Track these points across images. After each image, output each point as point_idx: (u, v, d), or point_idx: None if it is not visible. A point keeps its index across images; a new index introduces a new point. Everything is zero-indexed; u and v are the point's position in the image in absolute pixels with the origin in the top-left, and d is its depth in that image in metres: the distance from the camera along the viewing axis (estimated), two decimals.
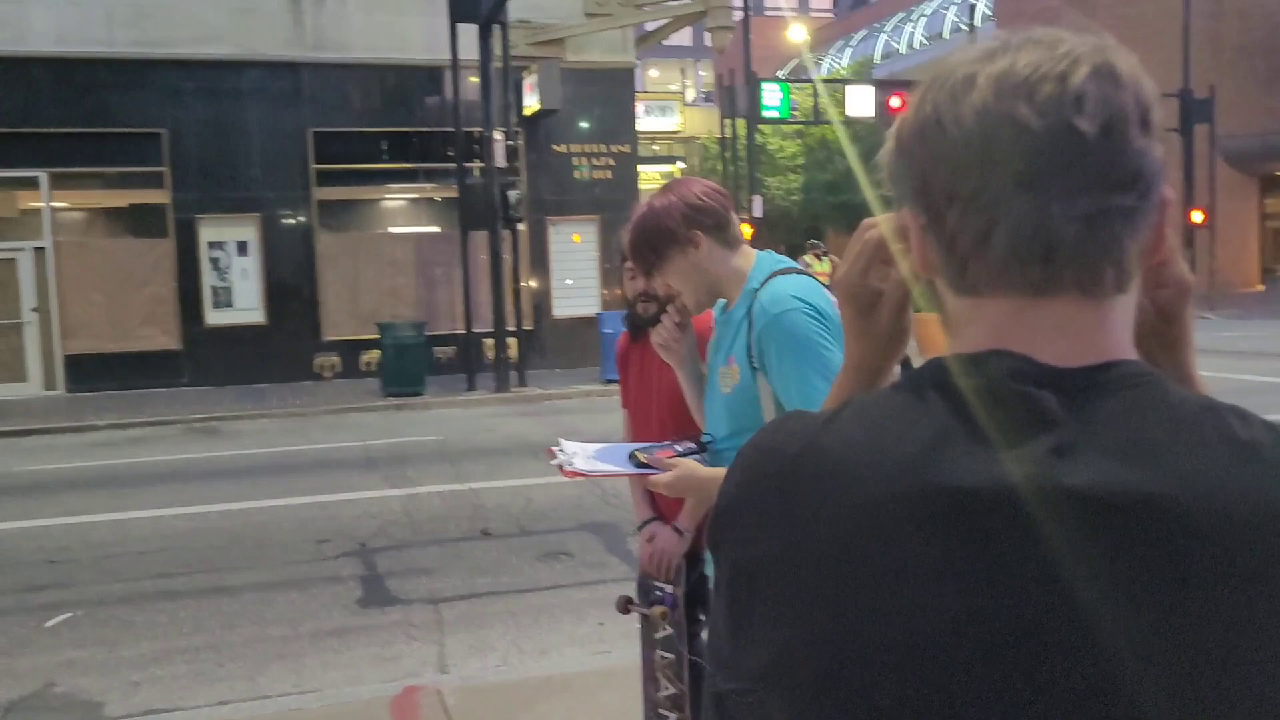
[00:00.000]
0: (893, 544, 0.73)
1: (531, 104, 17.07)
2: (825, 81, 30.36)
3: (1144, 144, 0.76)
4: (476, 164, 15.96)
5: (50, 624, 5.63)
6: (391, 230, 18.33)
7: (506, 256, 15.16)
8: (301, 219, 17.04)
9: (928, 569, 0.72)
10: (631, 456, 2.38)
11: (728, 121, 24.75)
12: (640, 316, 2.93)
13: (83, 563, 6.82)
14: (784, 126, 33.97)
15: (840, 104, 23.77)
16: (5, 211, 16.31)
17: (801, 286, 2.26)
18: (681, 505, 2.80)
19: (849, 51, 48.35)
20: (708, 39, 17.63)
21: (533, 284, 17.74)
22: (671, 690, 2.89)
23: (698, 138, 39.07)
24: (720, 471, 2.32)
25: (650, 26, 20.08)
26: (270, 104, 16.64)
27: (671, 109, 37.33)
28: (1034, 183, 0.75)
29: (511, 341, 15.33)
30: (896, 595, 0.72)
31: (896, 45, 45.68)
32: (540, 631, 5.29)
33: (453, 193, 16.38)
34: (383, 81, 17.19)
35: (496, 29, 14.78)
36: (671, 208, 2.35)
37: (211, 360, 16.50)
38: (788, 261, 2.42)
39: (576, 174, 18.12)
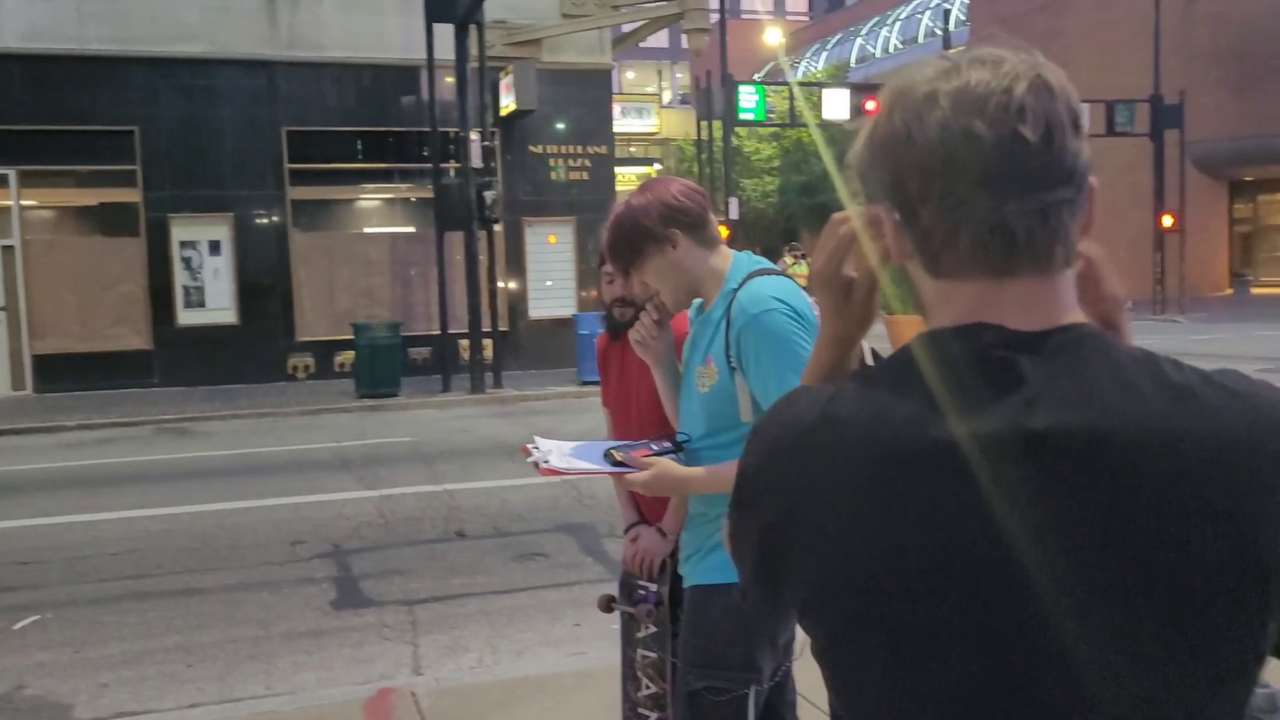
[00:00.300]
0: (892, 492, 0.89)
1: (508, 104, 17.03)
2: (801, 84, 30.48)
3: (1076, 145, 0.92)
4: (452, 164, 15.92)
5: (19, 626, 5.57)
6: (366, 230, 18.24)
7: (482, 257, 15.11)
8: (275, 218, 16.92)
9: (917, 511, 0.88)
10: (607, 455, 2.37)
11: (704, 124, 24.79)
12: (618, 321, 2.92)
13: (52, 564, 6.74)
14: (760, 129, 34.09)
15: (816, 107, 23.91)
16: None
17: (780, 287, 2.27)
18: (665, 508, 2.80)
19: (825, 55, 48.59)
20: (684, 41, 17.65)
21: (510, 285, 17.71)
22: (653, 689, 2.89)
23: (674, 140, 39.08)
24: (695, 471, 2.34)
25: (627, 28, 20.08)
26: (244, 103, 16.52)
27: (648, 111, 37.32)
28: (990, 184, 0.90)
29: (487, 342, 15.29)
30: (896, 533, 0.88)
31: (872, 49, 45.93)
32: (515, 632, 5.27)
33: (428, 193, 16.31)
34: (358, 81, 17.11)
35: (473, 29, 14.74)
36: (649, 206, 2.35)
37: (183, 360, 16.36)
38: (766, 263, 2.43)
39: (553, 175, 18.09)
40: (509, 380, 15.66)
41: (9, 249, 15.88)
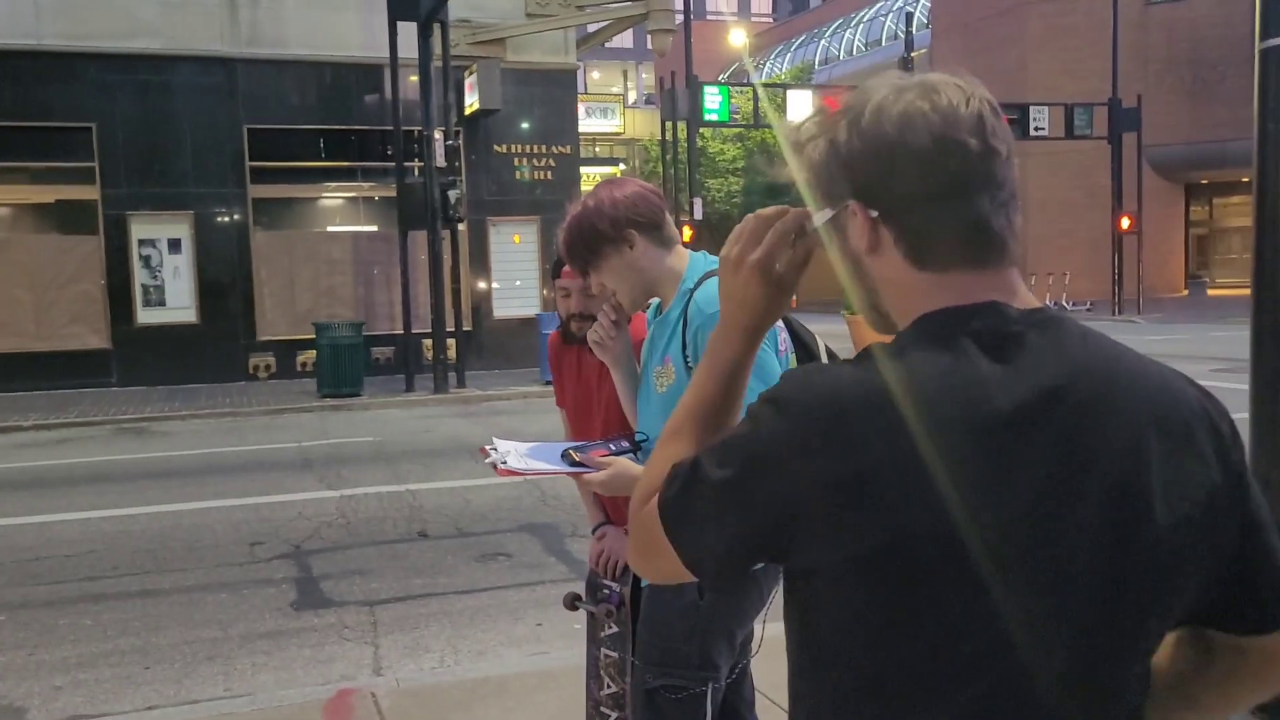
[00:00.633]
0: (959, 453, 0.98)
1: (472, 103, 16.98)
2: (765, 86, 30.61)
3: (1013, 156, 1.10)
4: (416, 163, 15.85)
5: None
6: (329, 229, 18.12)
7: (446, 257, 15.05)
8: (236, 216, 16.77)
9: (990, 468, 0.99)
10: (565, 455, 2.38)
11: (669, 124, 24.82)
12: (574, 335, 2.90)
13: (4, 566, 6.64)
14: (725, 130, 34.19)
15: (781, 108, 24.02)
16: None
17: None
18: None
19: (789, 56, 48.76)
20: (649, 42, 17.67)
21: (480, 285, 17.65)
22: (614, 689, 2.90)
23: (639, 140, 39.12)
24: None
25: (592, 28, 20.08)
26: (204, 100, 16.35)
27: (613, 111, 37.30)
28: (974, 189, 1.06)
29: (450, 342, 15.23)
30: (977, 489, 0.98)
31: (836, 51, 46.17)
32: (477, 632, 5.26)
33: (391, 192, 16.23)
34: (320, 79, 16.99)
35: (436, 27, 14.69)
36: (606, 207, 2.36)
37: (142, 360, 16.17)
38: None
39: (517, 175, 18.06)
40: (472, 380, 15.62)
41: None
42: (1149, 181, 29.92)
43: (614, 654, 2.89)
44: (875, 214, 1.08)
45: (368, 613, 5.60)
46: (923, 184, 1.05)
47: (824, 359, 2.45)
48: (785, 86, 29.15)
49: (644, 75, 55.68)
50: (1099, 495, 1.00)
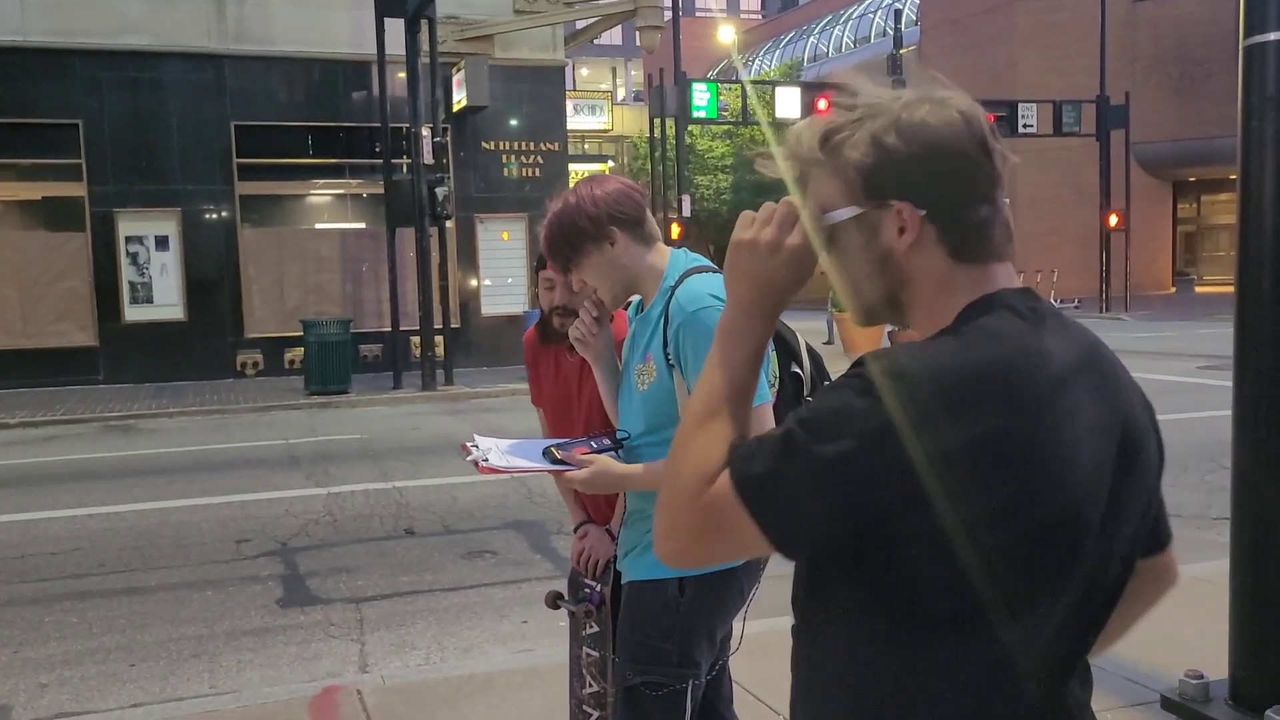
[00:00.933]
0: (1051, 416, 1.11)
1: (460, 100, 16.95)
2: (754, 83, 30.62)
3: None
4: (404, 160, 15.81)
5: None
6: (317, 226, 18.07)
7: (434, 254, 15.03)
8: (224, 213, 16.72)
9: (1082, 425, 1.14)
10: (546, 452, 2.38)
11: (657, 121, 24.82)
12: (555, 331, 2.90)
13: None
14: (713, 127, 34.20)
15: (769, 105, 24.00)
16: None
17: (717, 285, 2.28)
18: (613, 507, 2.81)
19: (778, 53, 48.81)
20: (638, 38, 17.65)
21: (468, 282, 17.63)
22: (595, 688, 2.91)
23: (628, 137, 39.13)
24: (634, 468, 2.35)
25: (580, 25, 20.07)
26: (191, 96, 16.30)
27: (601, 108, 37.32)
28: (999, 189, 1.20)
29: (438, 339, 15.21)
30: (1077, 445, 1.13)
31: (824, 48, 46.20)
32: (463, 630, 5.27)
33: (379, 189, 16.19)
34: (307, 75, 16.95)
35: (424, 24, 14.66)
36: (587, 203, 2.36)
37: (129, 357, 16.12)
38: (702, 260, 2.44)
39: (505, 172, 18.04)
40: (460, 377, 15.61)
41: None
42: (1137, 179, 30.03)
43: (595, 653, 2.90)
44: (924, 213, 1.18)
45: (354, 610, 5.60)
46: (969, 186, 1.18)
47: (804, 355, 2.46)
48: (774, 83, 29.16)
49: (632, 72, 55.65)
50: (1117, 447, 1.18)
